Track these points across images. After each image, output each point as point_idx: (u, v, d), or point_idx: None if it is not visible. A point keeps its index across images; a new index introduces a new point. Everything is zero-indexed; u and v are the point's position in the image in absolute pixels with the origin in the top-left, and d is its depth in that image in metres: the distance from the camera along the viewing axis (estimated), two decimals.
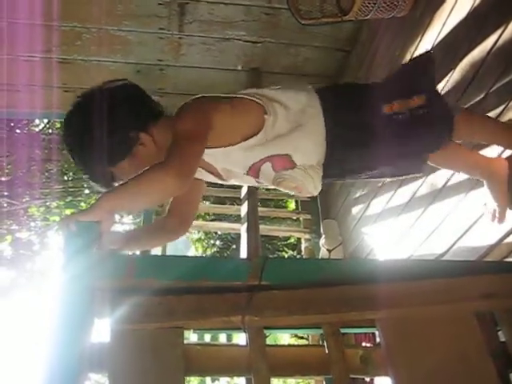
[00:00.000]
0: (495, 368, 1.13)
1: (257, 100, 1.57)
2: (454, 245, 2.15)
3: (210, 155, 1.50)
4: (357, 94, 1.69)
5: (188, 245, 7.47)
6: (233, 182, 1.68)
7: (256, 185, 1.72)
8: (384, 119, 1.59)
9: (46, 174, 7.09)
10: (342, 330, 1.21)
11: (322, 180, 1.62)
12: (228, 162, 1.58)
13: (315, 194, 1.68)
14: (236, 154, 1.54)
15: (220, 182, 1.69)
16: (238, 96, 1.61)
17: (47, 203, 7.40)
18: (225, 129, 1.50)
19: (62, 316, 1.05)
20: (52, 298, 1.09)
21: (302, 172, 1.58)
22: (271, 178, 1.62)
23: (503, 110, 1.85)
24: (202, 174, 1.63)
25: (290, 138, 1.55)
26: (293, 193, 1.69)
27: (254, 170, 1.60)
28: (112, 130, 1.42)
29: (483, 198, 1.88)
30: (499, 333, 1.22)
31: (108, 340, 1.07)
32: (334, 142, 1.57)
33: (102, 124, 1.40)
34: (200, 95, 1.55)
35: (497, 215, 1.80)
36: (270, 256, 6.94)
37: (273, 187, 1.71)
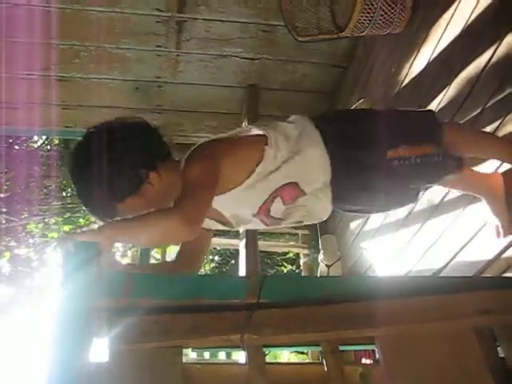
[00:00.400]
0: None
1: (261, 131, 1.57)
2: (452, 259, 2.15)
3: (218, 202, 1.47)
4: (359, 129, 1.64)
5: None
6: (242, 227, 1.66)
7: (265, 224, 1.68)
8: (387, 164, 1.57)
9: (45, 190, 7.08)
10: (342, 348, 1.21)
11: (332, 202, 1.62)
12: (236, 207, 1.57)
13: (324, 218, 1.69)
14: (243, 193, 1.52)
15: (229, 229, 1.67)
16: (243, 135, 1.61)
17: (46, 219, 7.39)
18: (231, 172, 1.49)
19: (60, 335, 1.04)
20: (50, 316, 1.09)
21: (311, 197, 1.59)
22: (281, 211, 1.61)
23: (499, 125, 1.85)
24: (211, 224, 1.61)
25: (292, 164, 1.55)
26: (304, 222, 1.69)
27: (263, 211, 1.59)
28: (123, 166, 1.41)
29: (481, 212, 1.89)
30: (498, 348, 1.22)
31: (106, 360, 1.07)
32: (337, 163, 1.57)
33: (113, 158, 1.39)
34: (207, 140, 1.55)
35: (500, 231, 1.81)
36: (269, 270, 6.94)
37: (285, 224, 1.69)
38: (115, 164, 1.40)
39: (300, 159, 1.56)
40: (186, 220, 1.27)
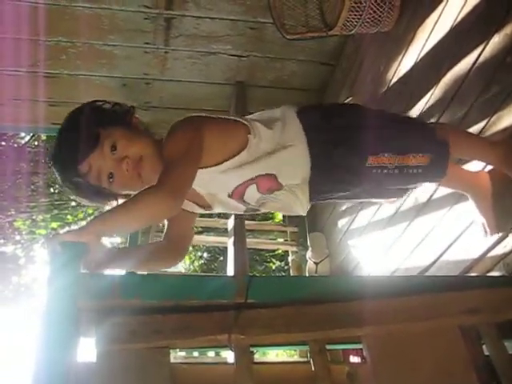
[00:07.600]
0: (479, 382, 1.14)
1: (242, 120, 1.57)
2: (438, 258, 2.16)
3: (196, 178, 1.45)
4: (344, 127, 1.60)
5: None
6: (218, 209, 1.66)
7: (242, 210, 1.68)
8: (366, 170, 1.56)
9: (32, 187, 7.05)
10: (330, 346, 1.22)
11: (309, 199, 1.62)
12: (212, 185, 1.57)
13: (303, 214, 1.69)
14: (220, 175, 1.52)
15: (207, 212, 1.67)
16: (223, 116, 1.62)
17: (33, 216, 7.35)
18: (213, 147, 1.48)
19: (46, 334, 1.04)
20: (38, 315, 1.08)
21: (288, 193, 1.59)
22: (255, 199, 1.61)
23: (485, 125, 1.87)
24: (190, 207, 1.61)
25: (274, 158, 1.54)
26: (280, 212, 1.70)
27: (237, 193, 1.58)
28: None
29: (467, 211, 1.91)
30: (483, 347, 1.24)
31: (94, 360, 1.07)
32: (318, 162, 1.56)
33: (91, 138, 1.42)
34: (188, 116, 1.53)
35: (487, 229, 1.82)
36: (258, 267, 6.95)
37: (259, 210, 1.70)
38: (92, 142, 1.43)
39: (286, 154, 1.55)
40: (169, 192, 1.28)
